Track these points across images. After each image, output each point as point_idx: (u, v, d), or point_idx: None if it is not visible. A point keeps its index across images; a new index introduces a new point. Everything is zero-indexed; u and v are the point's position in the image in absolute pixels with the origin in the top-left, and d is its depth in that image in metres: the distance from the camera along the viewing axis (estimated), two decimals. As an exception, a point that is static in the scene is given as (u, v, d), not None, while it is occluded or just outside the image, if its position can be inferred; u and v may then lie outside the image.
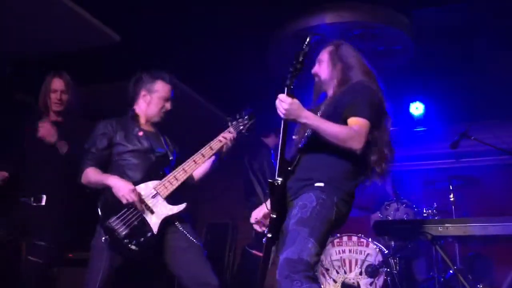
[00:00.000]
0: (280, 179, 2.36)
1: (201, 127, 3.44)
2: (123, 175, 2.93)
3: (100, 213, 2.84)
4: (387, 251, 4.44)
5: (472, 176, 5.54)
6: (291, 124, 2.40)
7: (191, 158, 3.02)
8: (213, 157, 3.12)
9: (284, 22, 4.30)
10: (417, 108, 5.97)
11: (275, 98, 2.32)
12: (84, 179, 2.96)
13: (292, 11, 4.17)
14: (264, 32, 4.47)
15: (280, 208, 2.39)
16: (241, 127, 3.19)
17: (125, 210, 2.82)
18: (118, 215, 2.81)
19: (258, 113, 3.26)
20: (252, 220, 2.65)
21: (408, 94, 5.86)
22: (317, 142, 2.40)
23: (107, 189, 2.87)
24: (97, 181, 2.91)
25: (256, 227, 2.64)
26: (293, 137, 2.62)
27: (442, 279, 4.33)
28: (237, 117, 3.21)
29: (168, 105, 3.16)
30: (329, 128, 2.32)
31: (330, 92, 2.66)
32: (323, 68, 2.67)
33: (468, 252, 5.07)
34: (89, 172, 2.95)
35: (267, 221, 2.49)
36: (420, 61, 4.91)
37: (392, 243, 4.61)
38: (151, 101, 3.13)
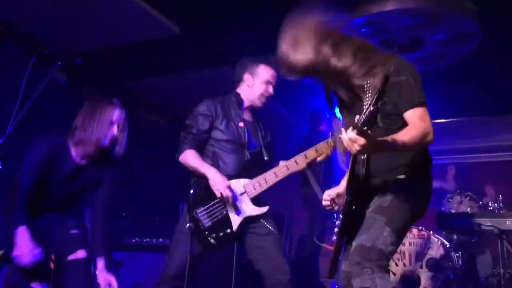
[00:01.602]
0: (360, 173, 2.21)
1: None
2: (216, 164, 2.99)
3: (190, 201, 2.93)
4: (449, 245, 4.32)
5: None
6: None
7: (284, 163, 3.03)
8: (306, 164, 3.06)
9: (344, 11, 4.21)
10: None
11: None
12: (183, 159, 3.01)
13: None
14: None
15: (356, 205, 2.27)
16: None
17: (213, 203, 2.91)
18: (206, 206, 2.91)
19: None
20: (325, 197, 2.50)
21: (469, 84, 5.62)
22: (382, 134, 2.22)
23: (202, 178, 2.94)
24: (195, 167, 2.96)
25: (326, 203, 2.49)
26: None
27: (508, 275, 4.17)
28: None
29: (270, 89, 3.15)
30: (409, 140, 2.08)
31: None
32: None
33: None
34: (189, 155, 2.99)
35: (340, 201, 2.44)
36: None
37: (454, 236, 4.48)
38: (253, 85, 3.14)
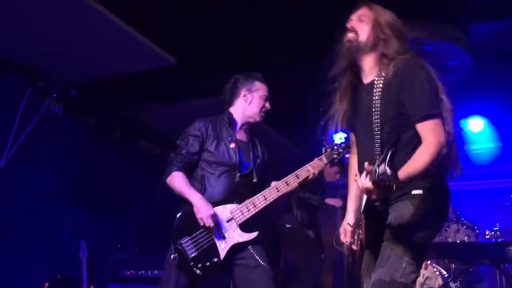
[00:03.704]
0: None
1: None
2: (203, 187, 2.91)
3: (175, 229, 2.84)
4: (447, 274, 4.27)
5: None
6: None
7: (274, 185, 2.96)
8: (298, 184, 2.99)
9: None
10: (476, 124, 5.73)
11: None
12: (170, 182, 2.92)
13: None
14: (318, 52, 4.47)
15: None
16: (335, 155, 3.06)
17: (199, 232, 2.81)
18: (192, 236, 2.80)
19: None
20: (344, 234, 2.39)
21: (466, 109, 5.67)
22: (401, 148, 2.08)
23: (187, 204, 2.85)
24: (181, 191, 2.88)
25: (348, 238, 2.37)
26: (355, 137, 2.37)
27: (507, 305, 4.12)
28: (333, 144, 3.08)
29: (267, 105, 3.12)
30: (422, 164, 1.97)
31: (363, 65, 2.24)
32: (364, 27, 2.22)
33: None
34: (176, 177, 2.90)
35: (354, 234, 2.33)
36: (479, 76, 4.76)
37: (453, 265, 4.44)
38: (252, 100, 3.08)
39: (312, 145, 3.14)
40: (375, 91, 2.13)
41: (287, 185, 2.94)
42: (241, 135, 3.10)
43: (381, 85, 2.08)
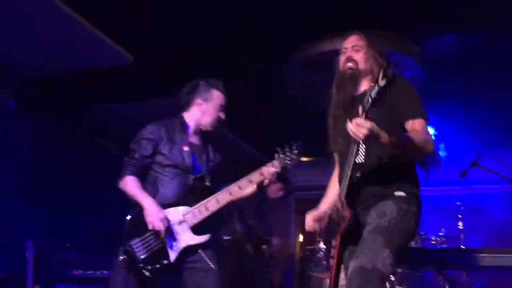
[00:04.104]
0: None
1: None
2: (155, 190, 2.90)
3: (124, 232, 2.82)
4: (393, 279, 4.40)
5: (481, 204, 5.51)
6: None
7: (226, 188, 2.94)
8: (252, 188, 3.00)
9: (296, 50, 4.38)
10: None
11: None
12: (122, 186, 2.92)
13: (303, 38, 4.23)
14: (276, 61, 4.55)
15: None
16: (288, 161, 3.00)
17: (149, 233, 2.79)
18: (142, 237, 2.78)
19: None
20: (311, 221, 2.54)
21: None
22: (378, 149, 2.28)
23: (138, 207, 2.83)
24: (132, 195, 2.87)
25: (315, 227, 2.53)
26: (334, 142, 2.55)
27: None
28: (286, 150, 3.01)
29: (222, 115, 3.10)
30: (413, 143, 2.17)
31: (360, 88, 2.50)
32: (360, 56, 2.51)
33: (476, 282, 5.02)
34: (128, 182, 2.90)
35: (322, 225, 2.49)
36: (430, 87, 4.93)
37: (399, 270, 4.57)
38: (206, 110, 3.07)
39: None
40: (365, 99, 2.26)
41: (240, 189, 2.95)
42: (194, 139, 3.10)
43: (372, 95, 2.16)
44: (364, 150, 2.32)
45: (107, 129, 6.18)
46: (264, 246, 5.69)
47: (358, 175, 2.30)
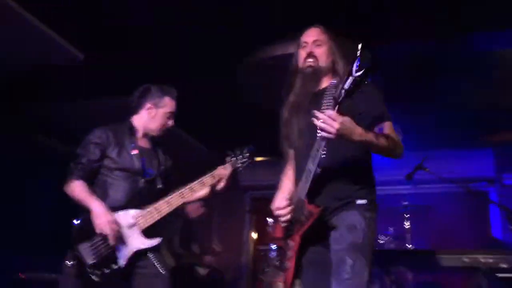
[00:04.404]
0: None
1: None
2: (105, 193, 2.85)
3: (73, 235, 2.75)
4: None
5: (427, 203, 5.70)
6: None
7: (179, 191, 2.93)
8: (205, 191, 3.03)
9: (249, 53, 4.41)
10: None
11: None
12: (69, 190, 2.86)
13: (258, 42, 4.25)
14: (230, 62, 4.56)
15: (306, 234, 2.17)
16: (239, 164, 3.10)
17: (98, 238, 2.73)
18: (91, 242, 2.73)
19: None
20: (282, 203, 2.35)
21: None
22: (340, 152, 2.20)
23: (87, 211, 2.77)
24: (80, 199, 2.81)
25: (284, 211, 2.32)
26: (292, 145, 2.44)
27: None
28: (238, 153, 3.12)
29: (171, 122, 3.08)
30: (384, 142, 2.09)
31: (319, 86, 2.38)
32: (321, 52, 2.37)
33: (420, 280, 5.20)
34: (75, 186, 2.84)
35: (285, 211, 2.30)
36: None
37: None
38: (155, 115, 3.04)
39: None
40: (325, 96, 2.24)
41: (192, 191, 2.95)
42: (143, 142, 3.07)
43: (346, 86, 2.00)
44: (325, 147, 2.15)
45: (52, 127, 6.01)
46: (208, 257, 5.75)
47: (318, 171, 2.16)
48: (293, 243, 2.24)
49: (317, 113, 1.97)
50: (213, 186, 3.02)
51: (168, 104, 3.07)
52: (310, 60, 2.36)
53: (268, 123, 2.66)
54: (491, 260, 3.70)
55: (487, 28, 4.07)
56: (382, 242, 4.89)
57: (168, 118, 3.07)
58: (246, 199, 7.76)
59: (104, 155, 2.91)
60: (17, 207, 5.38)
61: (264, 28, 3.92)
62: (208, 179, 2.99)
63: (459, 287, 5.68)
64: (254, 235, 7.31)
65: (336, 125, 1.93)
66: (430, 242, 6.00)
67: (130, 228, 2.81)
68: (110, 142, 2.93)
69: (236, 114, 5.72)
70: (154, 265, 2.84)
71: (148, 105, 3.06)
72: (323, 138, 2.02)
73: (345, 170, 2.23)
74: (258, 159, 3.31)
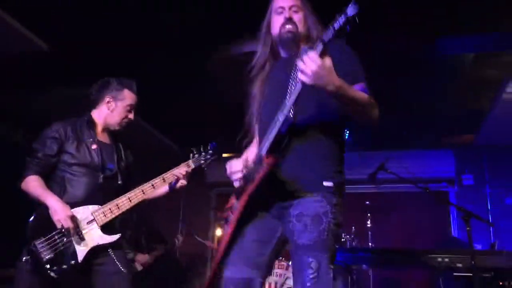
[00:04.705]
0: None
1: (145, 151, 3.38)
2: (63, 189, 2.79)
3: (28, 231, 2.70)
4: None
5: (388, 203, 5.82)
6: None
7: (140, 187, 2.91)
8: (166, 188, 3.03)
9: (219, 48, 4.42)
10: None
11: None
12: (24, 186, 2.79)
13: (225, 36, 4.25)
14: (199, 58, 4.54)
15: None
16: (202, 161, 3.10)
17: (55, 233, 2.68)
18: (47, 237, 2.67)
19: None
20: (236, 167, 2.20)
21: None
22: (311, 114, 2.02)
23: (42, 206, 2.72)
24: (36, 194, 2.75)
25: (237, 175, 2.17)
26: (255, 110, 2.27)
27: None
28: (201, 150, 3.12)
29: (131, 116, 3.04)
30: (361, 97, 1.90)
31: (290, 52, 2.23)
32: (300, 18, 2.22)
33: (381, 276, 5.32)
34: (30, 181, 2.78)
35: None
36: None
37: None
38: (115, 109, 2.99)
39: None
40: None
41: (153, 187, 2.93)
42: (103, 137, 3.03)
43: (336, 26, 1.83)
44: (296, 101, 1.95)
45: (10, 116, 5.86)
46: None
47: (284, 130, 1.97)
48: (239, 204, 2.05)
49: (298, 61, 1.81)
50: (176, 182, 3.01)
51: (127, 97, 3.03)
52: (289, 26, 2.20)
53: (235, 119, 2.65)
54: (447, 260, 3.81)
55: (451, 33, 4.18)
56: (343, 240, 4.97)
57: (128, 111, 3.03)
58: (212, 196, 7.75)
59: (61, 150, 2.86)
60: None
61: (237, 22, 3.90)
62: (168, 175, 2.98)
63: (418, 285, 5.84)
64: (219, 232, 7.32)
65: (314, 66, 1.76)
66: (391, 241, 6.13)
67: (89, 224, 2.77)
68: (68, 137, 2.88)
69: (204, 109, 5.71)
70: (114, 262, 2.80)
71: (107, 98, 3.02)
72: (299, 81, 1.84)
73: (314, 139, 2.04)
74: (225, 155, 3.31)
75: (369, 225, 5.20)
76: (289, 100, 1.94)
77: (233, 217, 2.06)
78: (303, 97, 1.93)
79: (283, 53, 2.27)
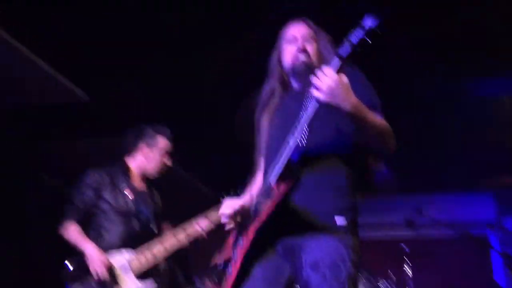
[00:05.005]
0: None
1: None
2: (100, 236, 2.86)
3: (66, 277, 2.76)
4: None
5: (427, 248, 5.64)
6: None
7: (173, 234, 2.92)
8: (199, 234, 3.00)
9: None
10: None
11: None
12: (63, 233, 2.89)
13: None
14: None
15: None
16: None
17: (92, 279, 2.73)
18: (83, 284, 2.73)
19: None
20: (226, 210, 1.97)
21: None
22: (323, 146, 1.87)
23: (79, 253, 2.79)
24: (74, 242, 2.83)
25: (225, 219, 1.98)
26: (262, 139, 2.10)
27: None
28: (232, 194, 3.09)
29: (167, 161, 3.09)
30: (381, 122, 1.77)
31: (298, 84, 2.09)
32: (313, 49, 2.08)
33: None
34: (69, 228, 2.87)
35: (239, 218, 1.95)
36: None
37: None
38: (150, 156, 3.06)
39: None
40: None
41: (188, 236, 2.93)
42: (138, 184, 3.09)
43: (354, 39, 1.71)
44: (307, 130, 1.78)
45: (50, 164, 6.03)
46: None
47: (295, 157, 1.80)
48: (244, 242, 1.84)
49: (313, 78, 1.68)
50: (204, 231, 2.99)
51: (161, 143, 3.08)
52: (303, 56, 2.05)
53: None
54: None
55: (489, 74, 4.13)
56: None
57: (163, 157, 3.08)
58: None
59: (98, 197, 2.93)
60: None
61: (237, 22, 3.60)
62: (202, 222, 2.98)
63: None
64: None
65: (330, 81, 1.63)
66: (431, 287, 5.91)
67: (125, 271, 2.80)
68: (105, 184, 2.95)
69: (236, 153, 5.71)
70: None
71: (142, 146, 3.08)
72: (313, 99, 1.70)
73: (328, 169, 1.87)
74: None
75: (407, 272, 5.03)
76: (302, 121, 1.77)
77: (237, 256, 1.86)
78: (317, 121, 1.77)
79: (295, 85, 2.13)
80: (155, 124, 3.16)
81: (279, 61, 2.15)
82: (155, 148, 3.07)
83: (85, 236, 2.85)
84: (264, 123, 2.13)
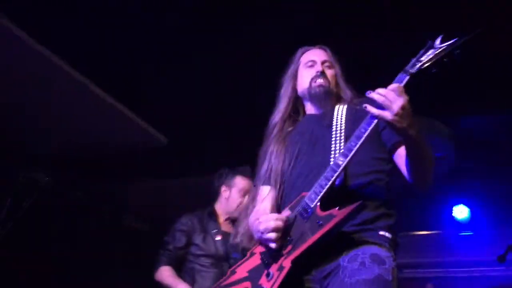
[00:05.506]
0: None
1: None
2: (193, 280, 2.95)
3: None
4: None
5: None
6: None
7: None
8: None
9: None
10: (461, 212, 5.76)
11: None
12: (158, 277, 3.01)
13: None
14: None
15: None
16: None
17: None
18: None
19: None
20: (274, 223, 1.72)
21: (451, 197, 5.72)
22: (364, 174, 1.79)
23: None
24: (169, 285, 2.94)
25: (273, 234, 1.71)
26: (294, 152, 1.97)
27: None
28: None
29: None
30: (431, 152, 1.69)
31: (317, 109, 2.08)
32: (332, 74, 2.12)
33: None
34: (163, 272, 2.99)
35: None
36: (463, 165, 4.87)
37: None
38: (230, 196, 3.16)
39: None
40: (335, 114, 1.92)
41: None
42: (226, 227, 3.17)
43: (425, 59, 1.62)
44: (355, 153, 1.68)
45: (134, 207, 6.20)
46: None
47: (337, 183, 1.70)
48: (281, 273, 1.62)
49: (379, 90, 1.54)
50: None
51: (240, 183, 3.17)
52: (321, 80, 2.05)
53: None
54: None
55: None
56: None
57: (242, 196, 3.12)
58: None
59: (189, 242, 3.05)
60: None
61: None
62: None
63: None
64: None
65: (402, 101, 1.47)
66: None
67: None
68: (195, 229, 3.07)
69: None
70: None
71: (222, 188, 3.20)
72: (375, 116, 1.54)
73: (369, 195, 1.74)
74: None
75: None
76: (351, 144, 1.65)
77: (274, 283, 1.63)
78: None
79: (312, 109, 2.10)
80: (237, 167, 3.25)
81: (290, 85, 2.15)
82: (234, 189, 3.15)
83: (179, 278, 2.95)
84: (276, 147, 2.05)
